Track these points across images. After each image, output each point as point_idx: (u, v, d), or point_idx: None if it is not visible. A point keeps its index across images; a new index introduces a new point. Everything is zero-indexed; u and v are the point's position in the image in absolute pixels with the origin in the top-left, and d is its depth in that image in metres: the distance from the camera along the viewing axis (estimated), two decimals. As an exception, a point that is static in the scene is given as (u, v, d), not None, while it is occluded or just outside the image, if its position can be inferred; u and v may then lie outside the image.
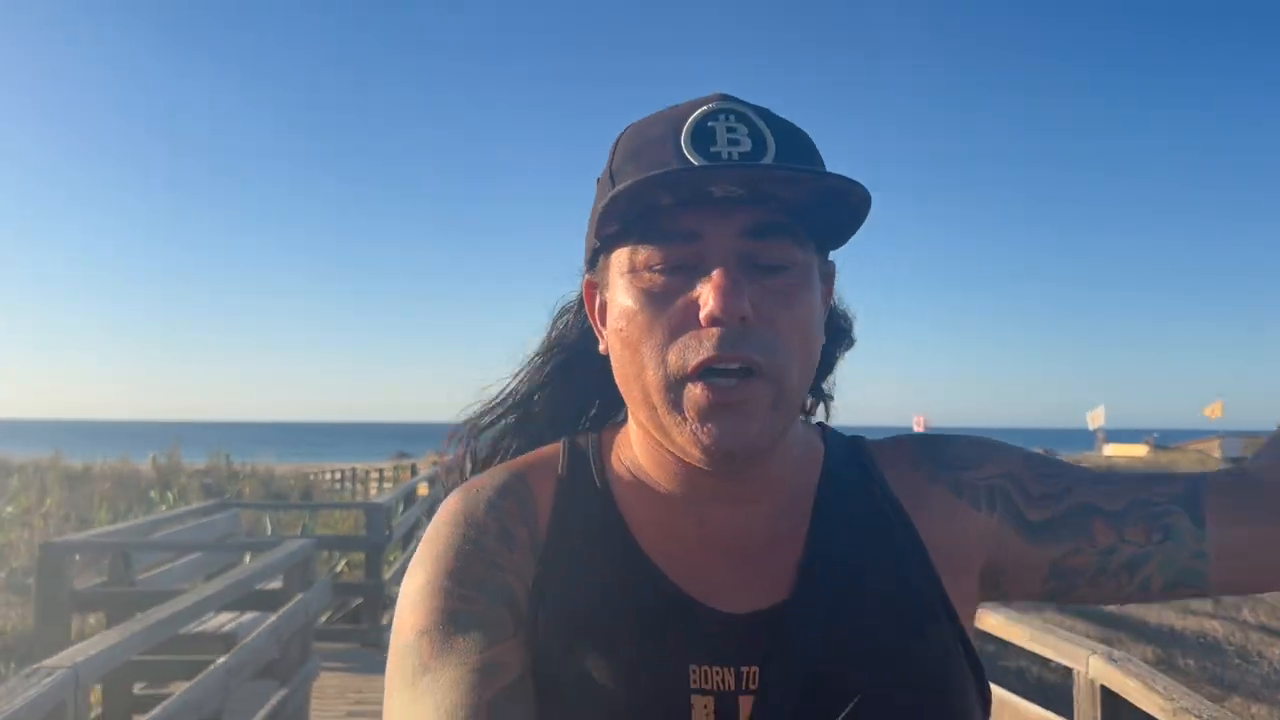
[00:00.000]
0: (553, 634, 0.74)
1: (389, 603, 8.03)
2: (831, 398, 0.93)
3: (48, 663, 2.55)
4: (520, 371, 0.94)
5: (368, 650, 7.15)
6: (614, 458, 0.84)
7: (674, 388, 0.72)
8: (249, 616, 5.41)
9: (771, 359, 0.70)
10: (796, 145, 0.74)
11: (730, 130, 0.72)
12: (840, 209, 0.73)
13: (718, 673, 0.72)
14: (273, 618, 4.39)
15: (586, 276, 0.84)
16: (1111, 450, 34.17)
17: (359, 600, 7.79)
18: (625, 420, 0.86)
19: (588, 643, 0.73)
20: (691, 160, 0.71)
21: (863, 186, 0.70)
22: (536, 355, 0.94)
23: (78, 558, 6.01)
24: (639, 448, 0.81)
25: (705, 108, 0.74)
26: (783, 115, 0.77)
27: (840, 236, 0.78)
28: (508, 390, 0.93)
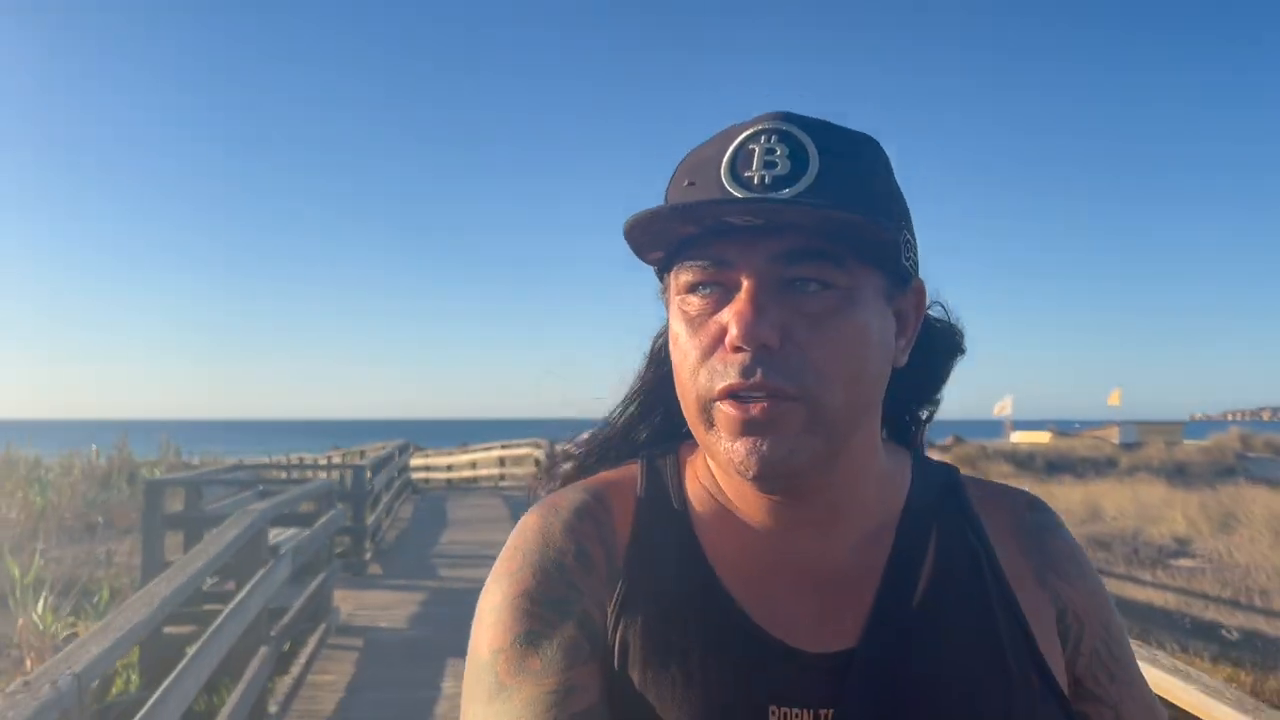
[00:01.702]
0: (629, 662, 0.73)
1: (368, 547, 10.25)
2: (932, 414, 0.92)
3: (249, 508, 4.75)
4: (622, 404, 0.92)
5: (358, 577, 9.46)
6: (691, 475, 0.83)
7: (706, 409, 0.72)
8: (289, 533, 7.63)
9: (799, 383, 0.69)
10: (842, 167, 0.72)
11: (769, 153, 0.72)
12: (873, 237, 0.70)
13: (796, 715, 0.71)
14: (321, 520, 6.60)
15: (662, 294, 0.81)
16: (1018, 438, 34.13)
17: (346, 544, 9.99)
18: None
19: (666, 674, 0.72)
20: (727, 185, 0.72)
21: (876, 224, 0.68)
22: (637, 382, 0.92)
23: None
24: (713, 464, 0.80)
25: (751, 129, 0.74)
26: (851, 127, 0.76)
27: (894, 256, 0.74)
28: (610, 424, 0.92)
